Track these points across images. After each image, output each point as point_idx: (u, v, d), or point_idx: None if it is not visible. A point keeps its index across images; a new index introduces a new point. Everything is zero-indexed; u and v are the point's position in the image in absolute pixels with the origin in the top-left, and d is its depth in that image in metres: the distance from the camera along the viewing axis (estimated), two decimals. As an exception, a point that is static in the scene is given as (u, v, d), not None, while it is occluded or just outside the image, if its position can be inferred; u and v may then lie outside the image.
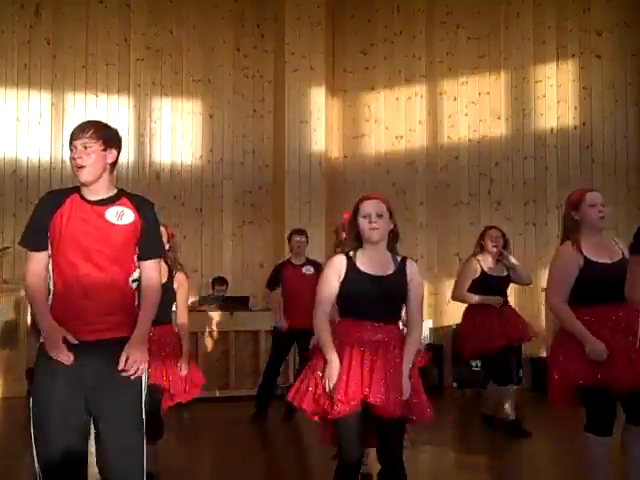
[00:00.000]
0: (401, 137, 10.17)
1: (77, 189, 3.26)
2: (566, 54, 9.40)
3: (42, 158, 9.73)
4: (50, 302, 3.19)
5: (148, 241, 3.27)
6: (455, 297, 6.85)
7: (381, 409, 3.52)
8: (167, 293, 4.80)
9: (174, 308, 5.13)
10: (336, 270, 3.71)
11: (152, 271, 3.29)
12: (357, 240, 3.75)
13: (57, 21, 9.83)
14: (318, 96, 10.13)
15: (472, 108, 9.83)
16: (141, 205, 3.27)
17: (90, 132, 3.21)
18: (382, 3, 10.38)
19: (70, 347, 3.09)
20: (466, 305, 6.81)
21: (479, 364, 8.58)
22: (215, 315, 8.65)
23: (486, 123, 9.76)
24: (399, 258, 3.77)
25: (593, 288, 4.09)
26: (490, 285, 6.54)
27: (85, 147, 3.19)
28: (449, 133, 9.93)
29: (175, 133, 10.28)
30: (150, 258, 3.29)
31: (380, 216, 3.70)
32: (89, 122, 3.31)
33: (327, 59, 10.30)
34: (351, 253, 3.74)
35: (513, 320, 6.64)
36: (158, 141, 10.21)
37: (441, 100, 9.99)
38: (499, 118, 9.70)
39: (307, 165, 10.03)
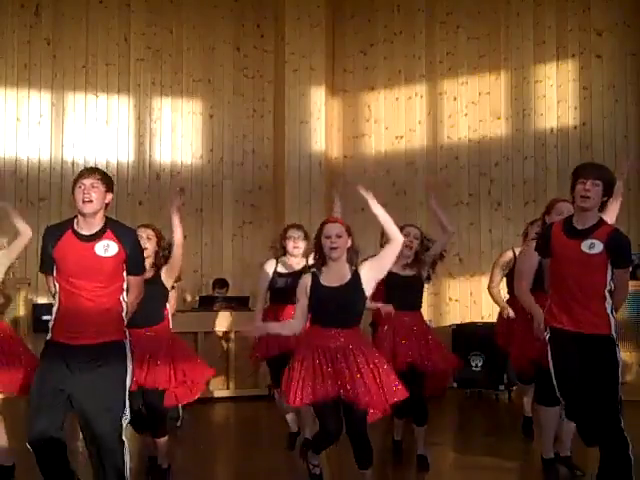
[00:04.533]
0: (401, 137, 10.17)
1: (71, 224, 4.01)
2: (566, 54, 9.40)
3: (42, 158, 9.73)
4: (55, 312, 4.00)
5: (131, 263, 4.05)
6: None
7: (352, 400, 4.28)
8: (154, 288, 5.07)
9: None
10: (302, 289, 4.45)
11: (134, 283, 4.13)
12: (322, 257, 4.44)
13: (57, 21, 9.82)
14: (318, 96, 10.12)
15: (472, 108, 9.83)
16: (122, 236, 4.02)
17: (97, 175, 3.98)
18: (382, 3, 10.37)
19: (68, 349, 3.91)
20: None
21: (479, 364, 8.59)
22: (215, 315, 8.64)
23: (486, 123, 9.76)
24: (353, 268, 4.43)
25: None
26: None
27: (92, 186, 3.93)
28: (449, 133, 9.93)
29: (175, 133, 10.28)
30: (133, 275, 4.10)
31: (339, 237, 4.37)
32: (96, 168, 4.15)
33: (327, 59, 10.29)
34: (315, 270, 4.49)
35: None
36: (158, 141, 10.21)
37: (441, 100, 9.99)
38: (499, 118, 9.70)
39: (307, 165, 10.02)
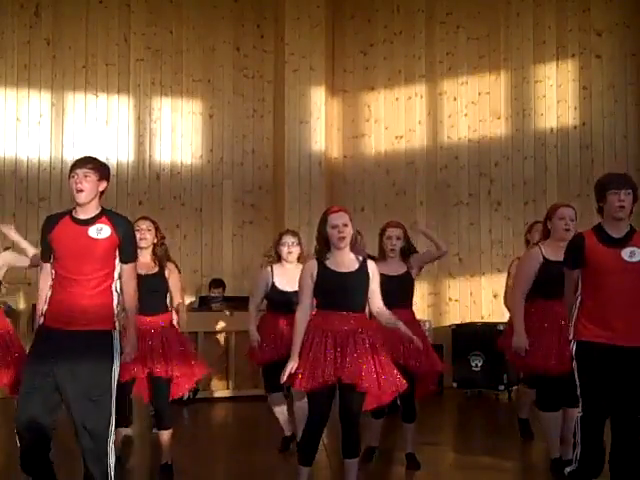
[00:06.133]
0: (401, 137, 10.17)
1: (70, 212, 4.15)
2: (566, 54, 9.41)
3: (42, 158, 9.73)
4: (49, 298, 4.10)
5: (123, 250, 4.14)
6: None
7: (351, 382, 4.25)
8: (159, 282, 5.32)
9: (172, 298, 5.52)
10: (308, 273, 4.43)
11: (128, 272, 4.19)
12: (327, 245, 4.43)
13: (57, 21, 9.82)
14: (318, 96, 10.12)
15: (472, 108, 9.83)
16: (117, 222, 4.13)
17: (90, 165, 4.08)
18: (382, 3, 10.37)
19: (58, 334, 3.99)
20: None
21: (479, 364, 8.59)
22: (215, 315, 8.64)
23: (486, 123, 9.76)
24: (360, 258, 4.48)
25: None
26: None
27: (85, 175, 4.05)
28: (449, 133, 9.93)
29: (175, 133, 10.28)
30: (127, 262, 4.18)
31: (346, 225, 4.39)
32: (90, 158, 4.22)
33: (327, 59, 10.28)
34: (319, 258, 4.45)
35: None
36: (158, 141, 10.21)
37: (441, 100, 9.99)
38: (499, 118, 9.70)
39: (307, 165, 10.02)
